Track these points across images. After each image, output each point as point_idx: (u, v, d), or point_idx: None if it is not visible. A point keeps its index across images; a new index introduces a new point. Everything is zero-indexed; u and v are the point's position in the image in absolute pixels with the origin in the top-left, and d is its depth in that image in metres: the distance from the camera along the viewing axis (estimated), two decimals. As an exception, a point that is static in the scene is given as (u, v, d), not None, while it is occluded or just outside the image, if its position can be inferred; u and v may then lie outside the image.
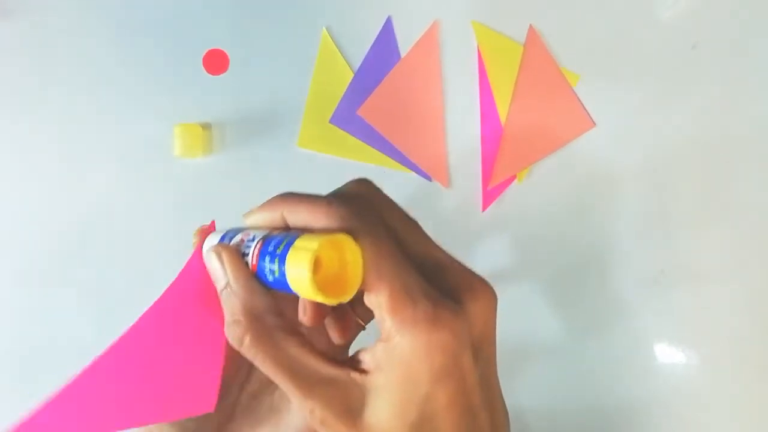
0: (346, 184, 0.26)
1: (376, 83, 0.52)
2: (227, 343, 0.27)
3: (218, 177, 0.51)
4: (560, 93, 0.51)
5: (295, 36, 0.52)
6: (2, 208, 0.52)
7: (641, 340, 0.50)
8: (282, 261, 0.22)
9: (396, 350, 0.22)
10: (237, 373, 0.32)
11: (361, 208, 0.24)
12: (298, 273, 0.21)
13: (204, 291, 0.30)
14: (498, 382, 0.25)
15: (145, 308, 0.32)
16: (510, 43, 0.52)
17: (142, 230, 0.52)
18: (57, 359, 0.51)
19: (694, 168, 0.50)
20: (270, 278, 0.24)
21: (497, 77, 0.51)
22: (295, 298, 0.25)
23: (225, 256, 0.26)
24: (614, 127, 0.51)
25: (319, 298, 0.21)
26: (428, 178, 0.51)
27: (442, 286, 0.23)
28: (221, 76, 0.52)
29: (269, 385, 0.31)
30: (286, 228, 0.25)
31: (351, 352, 0.34)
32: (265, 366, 0.24)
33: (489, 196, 0.51)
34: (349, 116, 0.52)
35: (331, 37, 0.52)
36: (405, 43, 0.52)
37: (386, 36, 0.52)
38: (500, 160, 0.51)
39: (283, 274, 0.22)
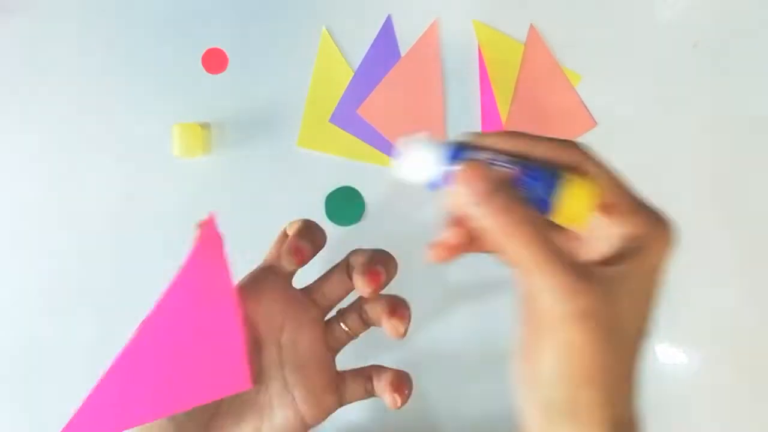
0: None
1: (376, 82, 0.51)
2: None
3: (217, 176, 0.51)
4: (561, 92, 0.51)
5: (294, 35, 0.52)
6: (1, 207, 0.52)
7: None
8: (553, 193, 0.26)
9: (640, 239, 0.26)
10: None
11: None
12: (578, 208, 0.25)
13: (213, 278, 0.32)
14: None
15: (155, 302, 0.33)
16: (511, 42, 0.52)
17: (142, 229, 0.51)
18: (58, 358, 0.51)
19: (695, 167, 0.50)
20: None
21: (498, 76, 0.51)
22: None
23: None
24: (615, 126, 0.51)
25: (580, 224, 0.26)
26: (428, 178, 0.51)
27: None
28: (220, 75, 0.52)
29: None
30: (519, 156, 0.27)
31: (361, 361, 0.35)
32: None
33: (489, 195, 0.51)
34: (349, 115, 0.52)
35: (331, 36, 0.52)
36: (405, 42, 0.52)
37: (386, 35, 0.52)
38: (501, 159, 0.51)
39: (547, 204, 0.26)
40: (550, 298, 0.23)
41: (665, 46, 0.52)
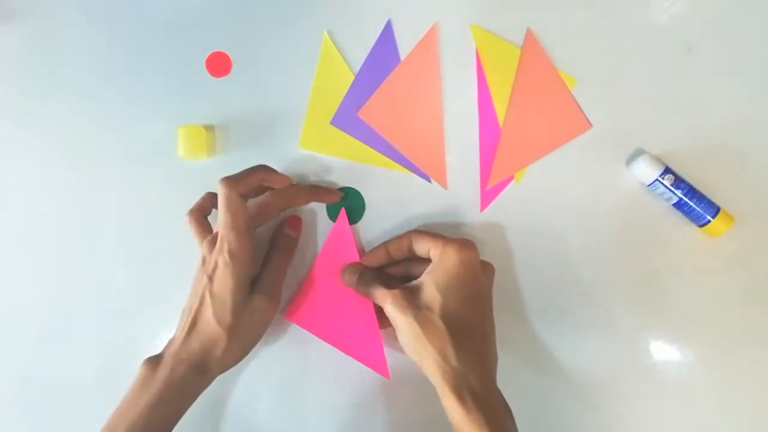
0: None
1: (376, 85, 0.52)
2: None
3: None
4: (557, 95, 0.52)
5: (296, 39, 0.53)
6: (9, 209, 0.53)
7: (637, 338, 0.51)
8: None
9: (442, 257, 0.44)
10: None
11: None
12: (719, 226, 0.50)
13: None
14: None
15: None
16: (508, 46, 0.52)
17: (147, 230, 0.52)
18: (60, 358, 0.52)
19: (689, 169, 0.50)
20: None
21: (495, 80, 0.52)
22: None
23: None
24: (610, 128, 0.52)
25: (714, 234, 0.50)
26: (428, 179, 0.52)
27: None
28: (224, 78, 0.53)
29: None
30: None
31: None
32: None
33: (487, 196, 0.52)
34: (349, 118, 0.52)
35: (332, 40, 0.52)
36: (405, 46, 0.52)
37: (386, 39, 0.53)
38: (498, 161, 0.52)
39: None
40: (389, 309, 0.44)
41: (660, 50, 0.52)
